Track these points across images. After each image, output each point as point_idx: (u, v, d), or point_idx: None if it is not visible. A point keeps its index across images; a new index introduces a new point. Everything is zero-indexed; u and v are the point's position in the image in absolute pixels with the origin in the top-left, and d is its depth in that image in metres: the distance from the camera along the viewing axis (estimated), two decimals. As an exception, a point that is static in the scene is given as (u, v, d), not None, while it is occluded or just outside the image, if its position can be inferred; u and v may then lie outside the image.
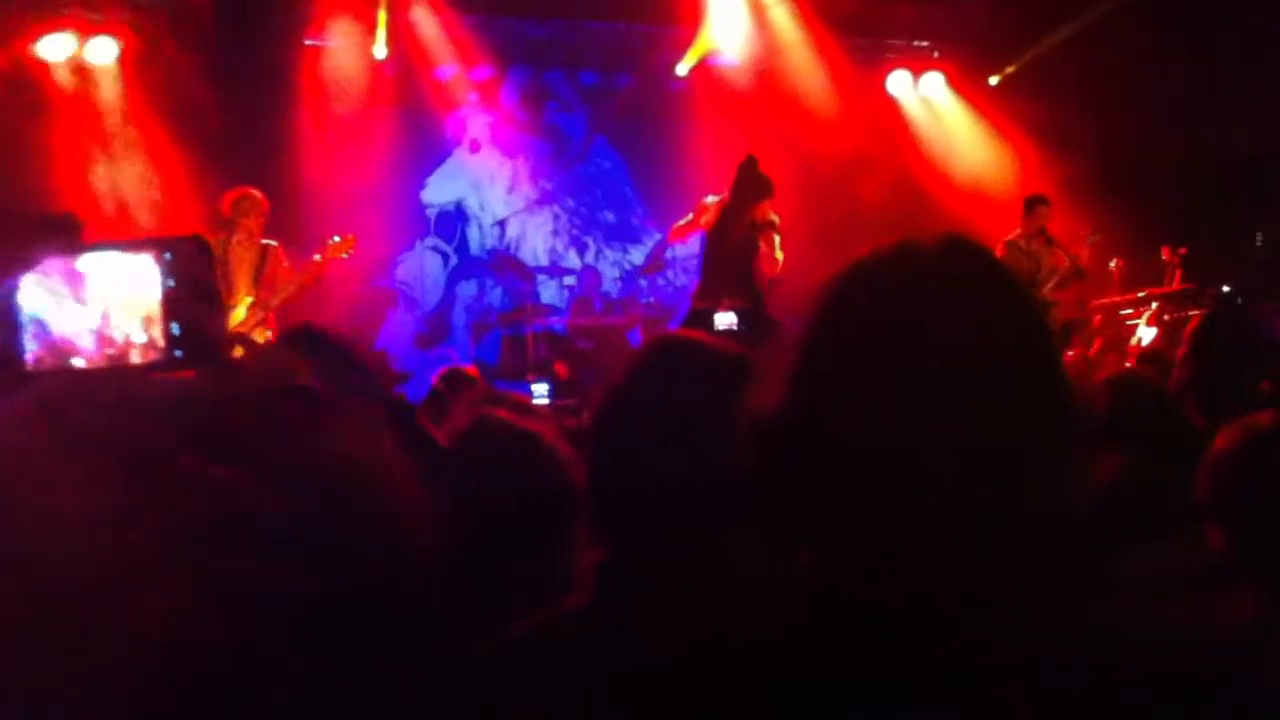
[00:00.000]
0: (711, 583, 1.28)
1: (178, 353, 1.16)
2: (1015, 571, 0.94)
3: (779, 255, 7.16)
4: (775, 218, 7.22)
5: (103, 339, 1.15)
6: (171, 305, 1.18)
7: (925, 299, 0.97)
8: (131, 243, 1.20)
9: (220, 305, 1.11)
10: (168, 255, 1.20)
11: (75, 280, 1.17)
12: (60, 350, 1.15)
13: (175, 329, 1.17)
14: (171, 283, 1.19)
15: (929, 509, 0.93)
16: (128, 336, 1.15)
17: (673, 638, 1.18)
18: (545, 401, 7.35)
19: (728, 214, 7.17)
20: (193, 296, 1.19)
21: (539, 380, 7.92)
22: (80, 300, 1.15)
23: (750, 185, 7.11)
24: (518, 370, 8.70)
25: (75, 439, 0.68)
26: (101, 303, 1.16)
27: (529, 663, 1.31)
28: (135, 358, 1.14)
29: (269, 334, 6.84)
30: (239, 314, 6.73)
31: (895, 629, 0.94)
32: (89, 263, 1.18)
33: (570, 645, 1.31)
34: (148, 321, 1.16)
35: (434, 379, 4.38)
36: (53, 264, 1.16)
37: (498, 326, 9.75)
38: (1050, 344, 1.02)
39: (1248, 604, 1.67)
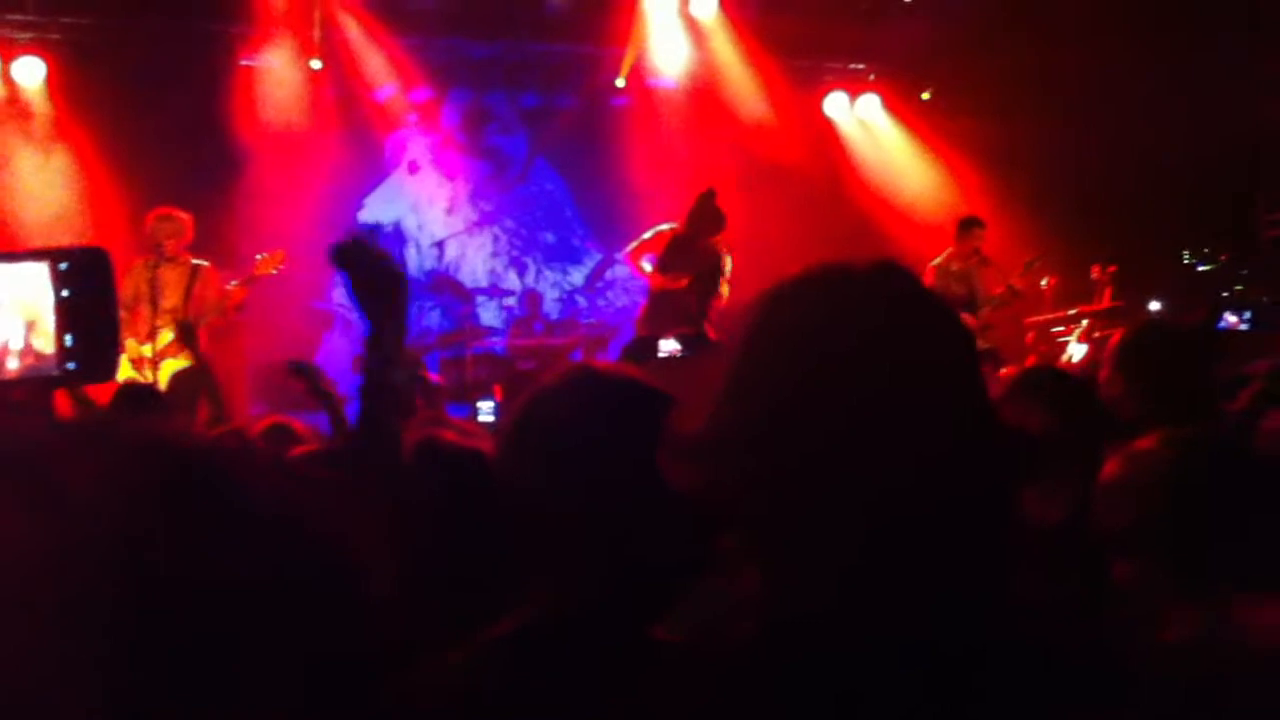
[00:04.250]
0: (656, 604, 1.29)
1: (71, 365, 1.12)
2: (950, 590, 0.94)
3: (724, 289, 7.22)
4: (725, 253, 7.29)
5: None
6: (67, 316, 1.14)
7: (847, 318, 0.98)
8: (27, 252, 1.17)
9: (117, 319, 1.06)
10: (64, 265, 1.16)
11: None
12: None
13: (69, 340, 1.14)
14: (67, 293, 1.16)
15: (854, 528, 0.93)
16: (6, 344, 1.11)
17: (635, 665, 1.18)
18: (490, 419, 7.33)
19: (680, 243, 7.22)
20: (90, 309, 1.16)
21: (484, 399, 7.88)
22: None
23: (702, 218, 7.18)
24: (457, 392, 8.63)
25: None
26: (-12, 311, 1.12)
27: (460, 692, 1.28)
28: (12, 364, 1.11)
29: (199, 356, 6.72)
30: (166, 335, 6.61)
31: (840, 648, 0.94)
32: (-22, 272, 1.14)
33: (514, 671, 1.28)
34: (30, 329, 1.12)
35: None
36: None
37: (436, 348, 9.68)
38: (973, 372, 1.02)
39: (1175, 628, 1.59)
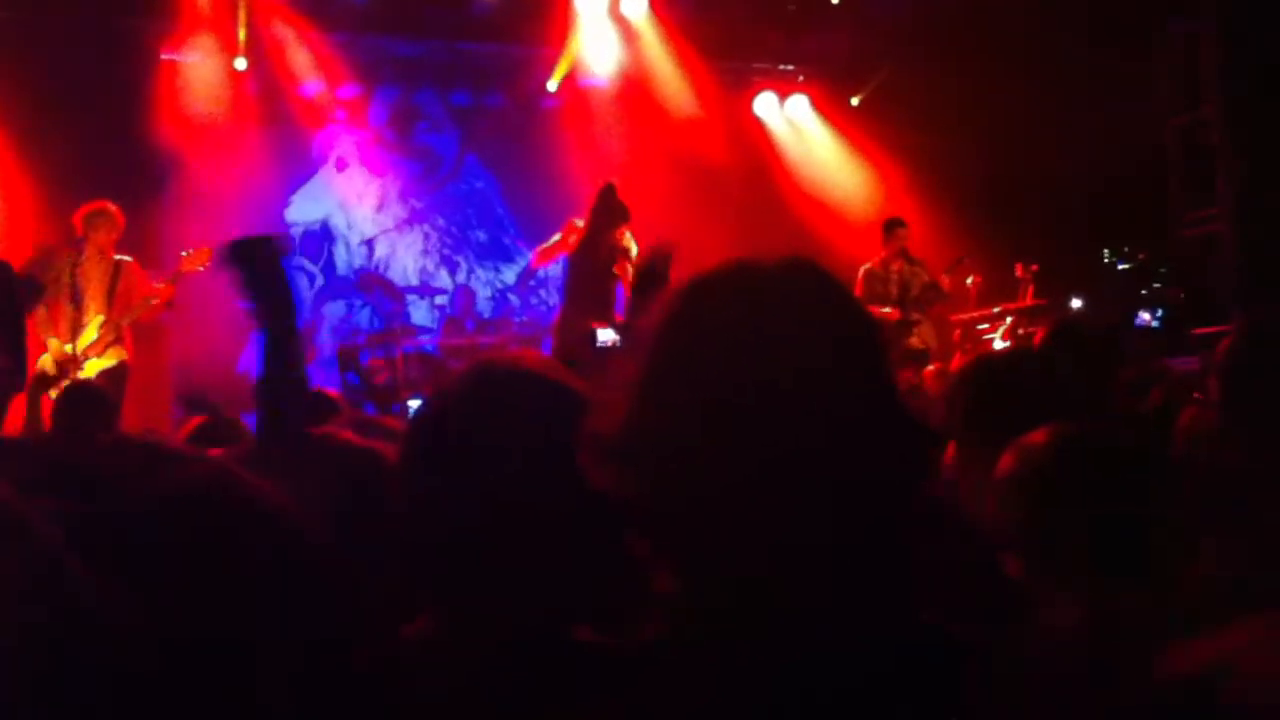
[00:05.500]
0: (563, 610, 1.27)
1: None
2: (858, 587, 0.96)
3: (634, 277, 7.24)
4: (632, 242, 7.32)
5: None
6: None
7: (758, 316, 0.98)
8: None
9: (23, 330, 1.03)
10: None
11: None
12: None
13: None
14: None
15: (763, 522, 0.94)
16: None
17: (523, 669, 1.18)
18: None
19: (586, 240, 7.25)
20: None
21: (414, 397, 7.81)
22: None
23: (606, 212, 7.21)
24: (389, 391, 8.55)
25: None
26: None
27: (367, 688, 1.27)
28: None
29: (124, 354, 6.57)
30: (90, 333, 6.47)
31: (745, 644, 0.94)
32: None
33: (418, 671, 1.27)
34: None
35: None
36: None
37: (366, 348, 9.57)
38: (885, 361, 1.03)
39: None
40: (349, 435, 2.07)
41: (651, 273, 2.67)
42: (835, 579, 0.95)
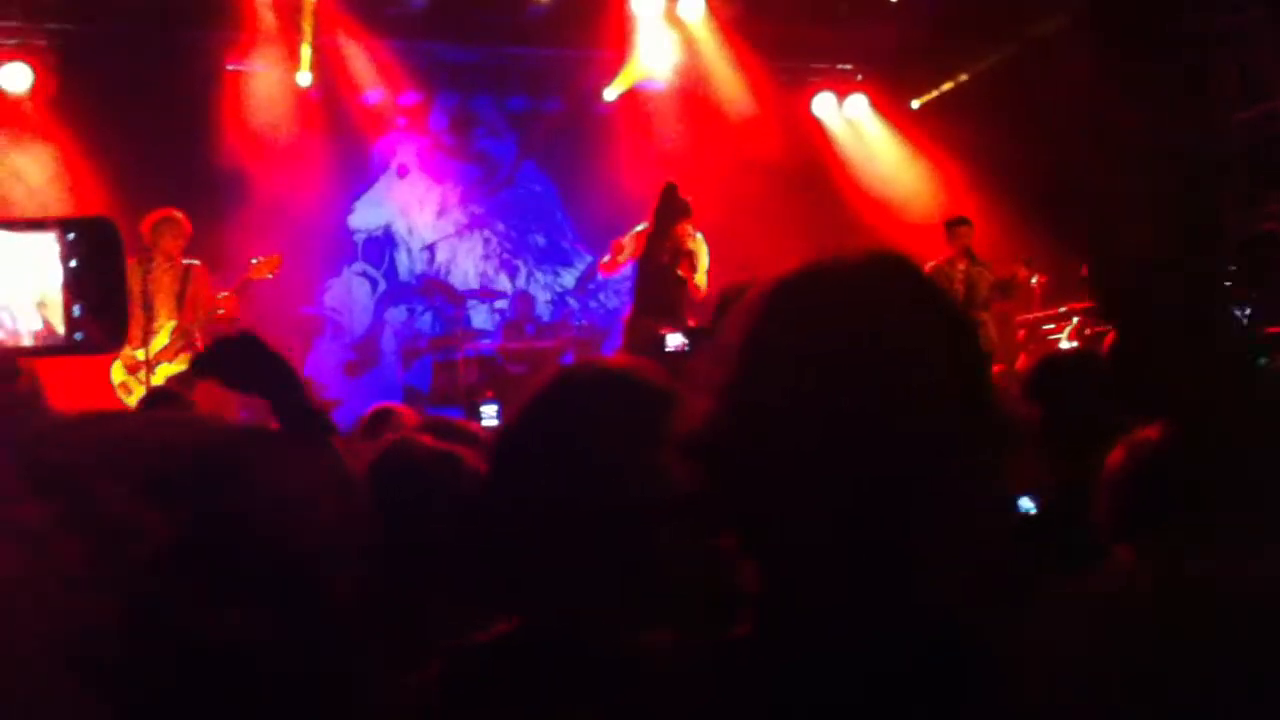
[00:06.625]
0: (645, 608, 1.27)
1: (78, 335, 1.11)
2: (945, 585, 0.94)
3: (702, 280, 7.22)
4: (699, 242, 7.29)
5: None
6: (74, 287, 1.13)
7: (850, 314, 0.97)
8: (33, 221, 1.15)
9: (126, 291, 1.05)
10: (72, 235, 1.15)
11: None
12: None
13: (77, 311, 1.12)
14: (75, 264, 1.14)
15: (856, 523, 0.93)
16: (15, 319, 1.09)
17: (613, 667, 1.17)
18: (495, 423, 7.29)
19: (652, 241, 7.23)
20: (98, 279, 1.15)
21: (488, 402, 7.84)
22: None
23: (669, 210, 7.17)
24: (449, 396, 8.62)
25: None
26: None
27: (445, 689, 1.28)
28: (27, 342, 1.09)
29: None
30: (162, 339, 6.58)
31: (830, 641, 0.93)
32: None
33: (499, 673, 1.27)
34: (42, 306, 1.11)
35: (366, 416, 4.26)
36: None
37: (428, 352, 9.66)
38: (978, 357, 1.01)
39: None
40: (427, 439, 2.07)
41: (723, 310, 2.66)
42: (919, 579, 0.93)
